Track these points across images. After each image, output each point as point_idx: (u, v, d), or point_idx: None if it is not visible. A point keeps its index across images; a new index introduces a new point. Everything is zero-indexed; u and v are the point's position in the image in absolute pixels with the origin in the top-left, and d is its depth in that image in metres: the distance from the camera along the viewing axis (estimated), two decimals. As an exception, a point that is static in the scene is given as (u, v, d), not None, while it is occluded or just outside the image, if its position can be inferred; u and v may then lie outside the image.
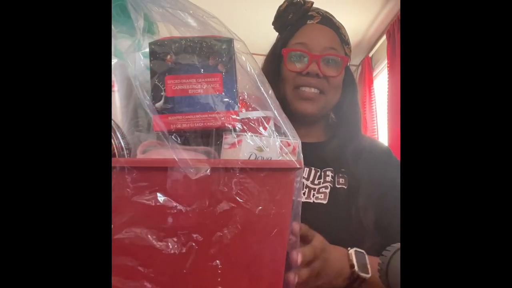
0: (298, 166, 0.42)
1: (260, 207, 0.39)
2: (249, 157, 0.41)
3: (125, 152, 0.40)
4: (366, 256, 0.57)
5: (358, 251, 0.57)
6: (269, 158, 0.42)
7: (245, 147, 0.41)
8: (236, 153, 0.41)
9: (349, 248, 0.57)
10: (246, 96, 0.46)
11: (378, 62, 2.58)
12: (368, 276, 0.55)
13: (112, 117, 0.43)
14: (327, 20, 0.75)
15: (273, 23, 0.78)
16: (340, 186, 0.69)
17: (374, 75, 2.64)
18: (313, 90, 0.71)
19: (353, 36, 0.85)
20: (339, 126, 0.78)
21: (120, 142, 0.40)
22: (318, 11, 0.76)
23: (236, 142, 0.41)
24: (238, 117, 0.41)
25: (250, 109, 0.48)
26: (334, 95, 0.74)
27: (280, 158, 0.42)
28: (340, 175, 0.70)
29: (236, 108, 0.41)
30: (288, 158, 0.42)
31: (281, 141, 0.43)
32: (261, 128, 0.46)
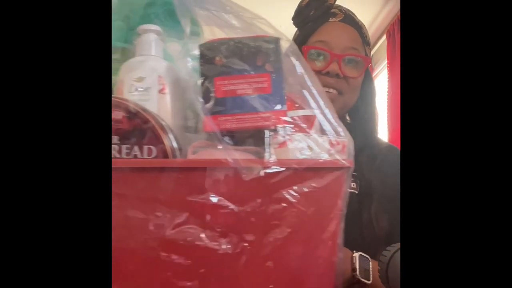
0: (348, 165, 0.41)
1: (312, 207, 0.38)
2: (299, 157, 0.41)
3: (177, 153, 0.41)
4: (370, 262, 0.55)
5: (363, 255, 0.55)
6: (319, 157, 0.41)
7: (294, 147, 0.41)
8: (285, 153, 0.40)
9: (354, 251, 0.55)
10: (291, 95, 0.46)
11: (378, 62, 2.55)
12: (368, 282, 0.53)
13: (164, 119, 0.44)
14: (350, 19, 0.73)
15: (293, 18, 0.76)
16: (352, 190, 0.67)
17: (374, 75, 2.61)
18: (331, 90, 0.69)
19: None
20: (355, 128, 0.74)
21: (172, 143, 0.41)
22: (340, 8, 0.74)
23: (285, 142, 0.41)
24: (287, 117, 0.41)
25: (295, 107, 0.48)
26: (352, 96, 0.72)
27: (329, 157, 0.42)
28: (351, 179, 0.68)
29: (285, 108, 0.41)
30: (337, 157, 0.41)
31: (330, 140, 0.43)
32: (306, 126, 0.46)
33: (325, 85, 0.67)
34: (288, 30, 0.78)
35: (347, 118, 0.79)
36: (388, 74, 2.16)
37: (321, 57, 0.69)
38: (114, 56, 0.51)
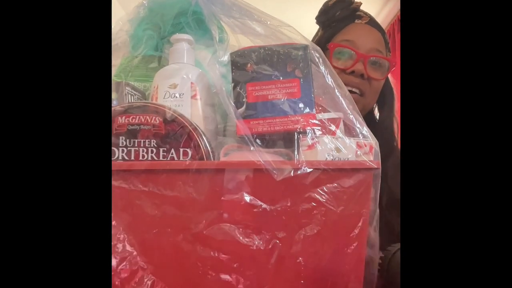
0: (375, 167, 0.43)
1: (341, 207, 0.40)
2: (327, 158, 0.42)
3: (211, 156, 0.44)
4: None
5: None
6: (347, 159, 0.43)
7: (322, 148, 0.43)
8: (314, 154, 0.42)
9: None
10: (318, 98, 0.48)
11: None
12: None
13: (197, 123, 0.46)
14: (375, 22, 0.74)
15: (317, 17, 0.77)
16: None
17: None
18: (354, 90, 0.69)
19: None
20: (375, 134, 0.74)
21: (206, 146, 0.43)
22: (365, 12, 0.75)
23: (314, 144, 0.43)
24: (315, 120, 0.43)
25: (321, 110, 0.50)
26: (372, 99, 0.72)
27: (357, 159, 0.43)
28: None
29: (314, 111, 0.43)
30: (365, 158, 0.43)
31: (357, 142, 0.44)
32: (332, 129, 0.47)
33: (348, 84, 0.67)
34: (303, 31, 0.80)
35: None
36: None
37: (347, 56, 0.69)
38: (151, 65, 0.54)
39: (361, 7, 0.75)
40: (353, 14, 0.73)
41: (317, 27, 0.80)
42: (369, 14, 0.75)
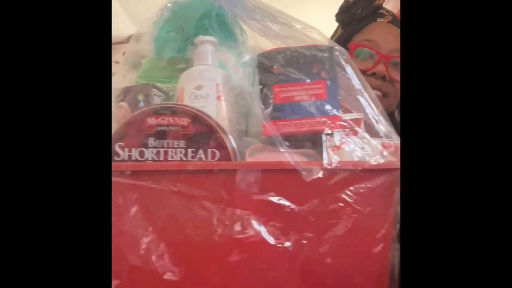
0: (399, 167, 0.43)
1: (369, 208, 0.40)
2: (353, 159, 0.43)
3: (237, 156, 0.44)
4: None
5: None
6: (372, 159, 0.43)
7: (348, 149, 0.43)
8: (340, 155, 0.42)
9: None
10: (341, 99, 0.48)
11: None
12: None
13: (221, 124, 0.47)
14: (398, 21, 0.72)
15: (337, 15, 0.75)
16: None
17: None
18: (376, 92, 0.66)
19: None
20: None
21: (233, 146, 0.44)
22: (388, 10, 0.73)
23: (341, 145, 0.43)
24: (342, 121, 0.43)
25: (344, 111, 0.50)
26: (395, 100, 0.71)
27: (383, 159, 0.43)
28: None
29: (340, 113, 0.43)
30: (391, 159, 0.43)
31: (382, 142, 0.44)
32: (356, 128, 0.48)
33: (369, 86, 0.67)
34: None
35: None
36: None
37: (368, 57, 0.67)
38: (179, 66, 0.55)
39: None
40: (375, 12, 0.71)
41: (333, 26, 0.79)
42: (392, 12, 0.73)
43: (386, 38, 0.68)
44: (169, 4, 0.58)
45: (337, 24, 0.79)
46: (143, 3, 2.56)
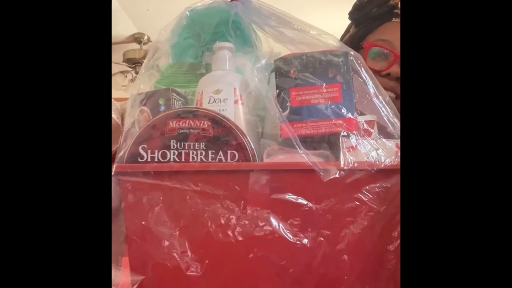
0: (415, 168, 0.44)
1: (384, 206, 0.42)
2: (369, 159, 0.44)
3: (256, 157, 0.46)
4: None
5: None
6: (387, 160, 0.45)
7: (363, 150, 0.45)
8: (356, 156, 0.44)
9: None
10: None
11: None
12: None
13: (240, 127, 0.49)
14: None
15: (351, 14, 0.72)
16: None
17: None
18: (389, 93, 0.64)
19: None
20: None
21: (252, 149, 0.46)
22: None
23: (356, 146, 0.44)
24: (357, 123, 0.44)
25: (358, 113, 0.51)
26: None
27: (397, 160, 0.45)
28: None
29: (355, 115, 0.44)
30: (405, 160, 0.44)
31: (396, 143, 0.46)
32: (371, 130, 0.49)
33: (383, 87, 0.62)
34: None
35: None
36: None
37: (382, 57, 0.66)
38: (199, 71, 0.57)
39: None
40: (391, 12, 0.68)
41: (341, 25, 0.79)
42: None
43: None
44: (187, 12, 0.61)
45: (344, 23, 0.77)
46: (143, 3, 2.61)
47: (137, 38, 2.95)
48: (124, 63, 2.89)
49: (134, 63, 2.84)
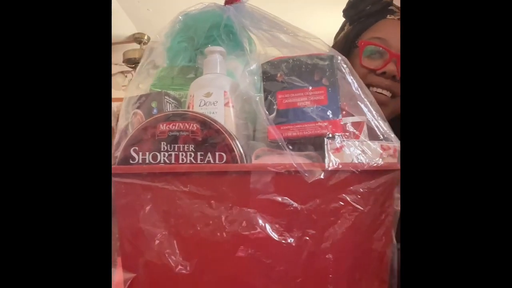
0: (399, 168, 0.45)
1: (368, 207, 0.43)
2: (354, 161, 0.45)
3: (244, 159, 0.47)
4: None
5: None
6: (372, 161, 0.46)
7: (348, 151, 0.46)
8: (341, 157, 0.45)
9: None
10: (343, 103, 0.51)
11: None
12: None
13: (230, 130, 0.50)
14: None
15: (345, 11, 0.72)
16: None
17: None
18: (384, 92, 0.65)
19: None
20: None
21: (240, 150, 0.47)
22: (398, 6, 0.71)
23: (341, 147, 0.46)
24: (342, 125, 0.45)
25: (344, 113, 0.52)
26: None
27: (382, 161, 0.46)
28: None
29: (340, 117, 0.46)
30: (390, 161, 0.45)
31: (381, 145, 0.47)
32: (356, 132, 0.50)
33: (379, 86, 0.64)
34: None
35: None
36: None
37: (378, 55, 0.65)
38: (189, 75, 0.58)
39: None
40: (385, 9, 0.68)
41: (334, 25, 0.78)
42: None
43: (397, 36, 0.63)
44: (180, 17, 0.62)
45: (337, 22, 0.77)
46: (143, 3, 2.62)
47: (137, 38, 2.97)
48: (124, 63, 2.91)
49: (134, 63, 2.86)
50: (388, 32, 0.66)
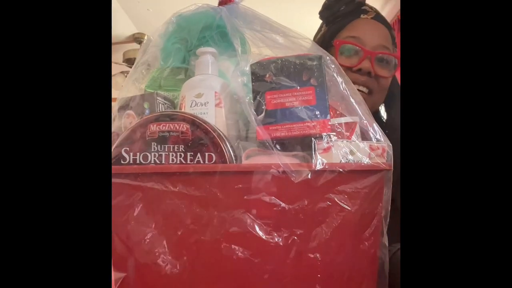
0: (387, 168, 0.45)
1: (356, 207, 0.43)
2: (342, 161, 0.45)
3: (233, 159, 0.47)
4: None
5: None
6: (360, 161, 0.46)
7: (337, 151, 0.46)
8: (329, 157, 0.45)
9: None
10: (334, 104, 0.51)
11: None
12: None
13: (220, 130, 0.50)
14: (381, 17, 0.72)
15: (321, 13, 0.75)
16: None
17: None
18: (361, 88, 0.67)
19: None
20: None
21: (229, 151, 0.47)
22: (371, 6, 0.73)
23: (329, 147, 0.46)
24: (330, 125, 0.46)
25: (337, 115, 0.53)
26: (380, 97, 0.71)
27: (370, 161, 0.46)
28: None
29: (328, 117, 0.46)
30: (378, 161, 0.46)
31: (370, 145, 0.47)
32: (348, 133, 0.50)
33: (355, 82, 0.65)
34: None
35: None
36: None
37: (353, 53, 0.67)
38: (179, 76, 0.59)
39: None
40: (358, 9, 0.71)
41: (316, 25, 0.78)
42: (375, 9, 0.73)
43: (371, 34, 0.68)
44: (173, 18, 0.62)
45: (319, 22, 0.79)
46: (143, 3, 2.63)
47: (137, 38, 2.97)
48: (124, 63, 2.92)
49: (134, 63, 2.86)
50: (362, 31, 0.68)
